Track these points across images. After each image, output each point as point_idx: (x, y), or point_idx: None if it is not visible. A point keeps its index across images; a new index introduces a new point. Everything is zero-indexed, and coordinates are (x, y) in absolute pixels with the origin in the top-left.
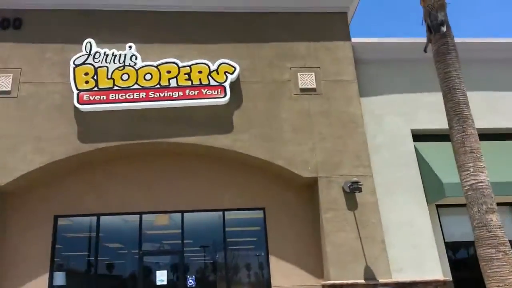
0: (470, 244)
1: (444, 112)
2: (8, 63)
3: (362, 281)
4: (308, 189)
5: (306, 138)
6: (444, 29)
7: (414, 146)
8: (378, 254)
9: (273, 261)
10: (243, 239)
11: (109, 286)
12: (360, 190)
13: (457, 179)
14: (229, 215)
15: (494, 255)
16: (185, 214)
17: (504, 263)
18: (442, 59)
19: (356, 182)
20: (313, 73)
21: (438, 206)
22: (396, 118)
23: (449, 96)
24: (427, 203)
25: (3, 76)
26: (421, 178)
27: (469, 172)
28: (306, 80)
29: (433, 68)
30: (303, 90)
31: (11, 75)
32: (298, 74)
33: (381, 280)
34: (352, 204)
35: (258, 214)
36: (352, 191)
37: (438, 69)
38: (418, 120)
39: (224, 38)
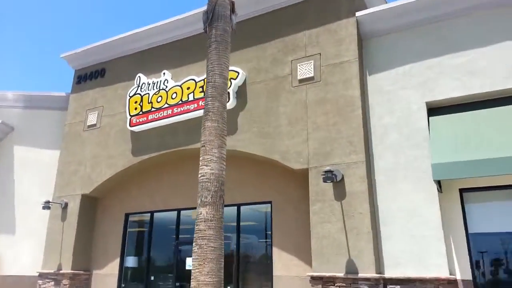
0: (504, 236)
1: (475, 74)
2: (96, 104)
3: (341, 274)
4: (307, 181)
5: (301, 129)
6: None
7: (428, 122)
8: (363, 247)
9: (276, 252)
10: (253, 231)
11: (158, 268)
12: (332, 180)
13: (457, 158)
14: (243, 209)
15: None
16: None
17: (197, 257)
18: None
19: (330, 171)
20: (312, 61)
21: (462, 190)
22: (409, 92)
23: None
24: (439, 188)
25: (92, 113)
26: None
27: (200, 166)
28: (305, 70)
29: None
30: (302, 80)
31: (97, 112)
32: (298, 65)
33: (361, 275)
34: (340, 194)
35: (267, 208)
36: (324, 181)
37: None
38: (438, 89)
39: (234, 47)
